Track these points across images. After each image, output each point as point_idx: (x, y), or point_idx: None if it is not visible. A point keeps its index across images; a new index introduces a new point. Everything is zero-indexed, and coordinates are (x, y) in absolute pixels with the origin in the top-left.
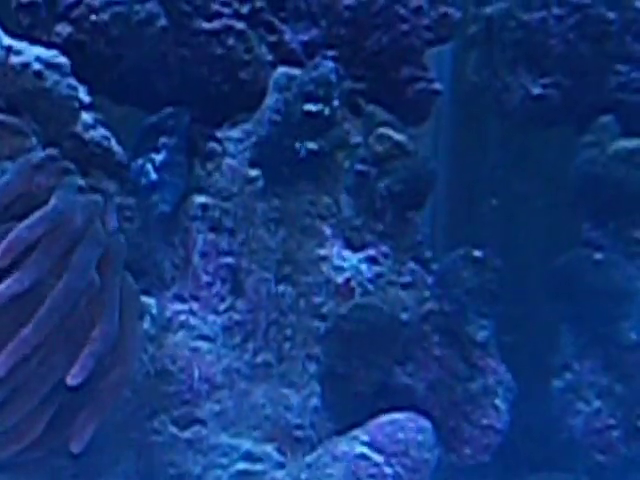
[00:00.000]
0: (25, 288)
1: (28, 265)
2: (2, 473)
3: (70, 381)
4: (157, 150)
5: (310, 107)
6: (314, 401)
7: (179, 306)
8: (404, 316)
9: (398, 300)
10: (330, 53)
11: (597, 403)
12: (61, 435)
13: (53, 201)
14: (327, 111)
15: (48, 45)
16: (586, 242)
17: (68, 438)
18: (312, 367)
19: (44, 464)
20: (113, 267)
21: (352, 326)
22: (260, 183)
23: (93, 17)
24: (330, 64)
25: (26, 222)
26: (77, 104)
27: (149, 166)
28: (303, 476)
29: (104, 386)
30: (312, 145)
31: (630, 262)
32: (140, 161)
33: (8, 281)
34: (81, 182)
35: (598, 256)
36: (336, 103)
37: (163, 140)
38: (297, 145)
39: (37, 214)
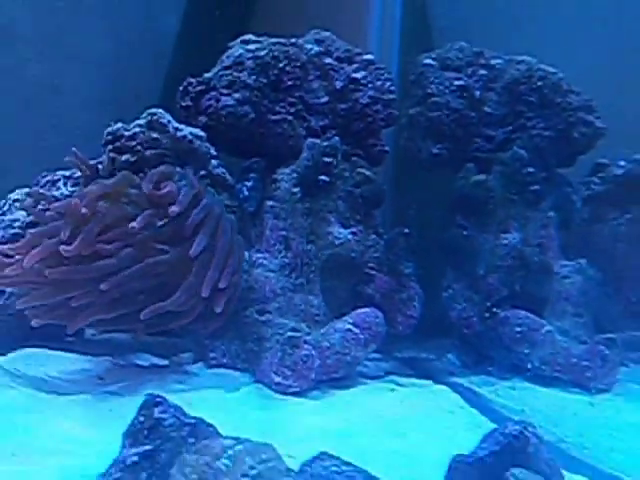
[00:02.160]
0: (205, 244)
1: (203, 232)
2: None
3: (212, 283)
4: (248, 179)
5: (323, 177)
6: (322, 302)
7: (258, 255)
8: (366, 259)
9: (365, 252)
10: (334, 132)
11: (463, 304)
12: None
13: (204, 201)
14: (335, 163)
15: (195, 126)
16: (459, 226)
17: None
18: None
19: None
20: (235, 233)
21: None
22: (299, 195)
23: (222, 113)
24: (335, 138)
25: (195, 210)
26: (209, 155)
27: (244, 187)
28: (319, 338)
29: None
30: (325, 177)
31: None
32: (239, 185)
33: (197, 239)
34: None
35: (465, 233)
36: (338, 157)
37: (251, 174)
38: (318, 177)
39: (200, 206)
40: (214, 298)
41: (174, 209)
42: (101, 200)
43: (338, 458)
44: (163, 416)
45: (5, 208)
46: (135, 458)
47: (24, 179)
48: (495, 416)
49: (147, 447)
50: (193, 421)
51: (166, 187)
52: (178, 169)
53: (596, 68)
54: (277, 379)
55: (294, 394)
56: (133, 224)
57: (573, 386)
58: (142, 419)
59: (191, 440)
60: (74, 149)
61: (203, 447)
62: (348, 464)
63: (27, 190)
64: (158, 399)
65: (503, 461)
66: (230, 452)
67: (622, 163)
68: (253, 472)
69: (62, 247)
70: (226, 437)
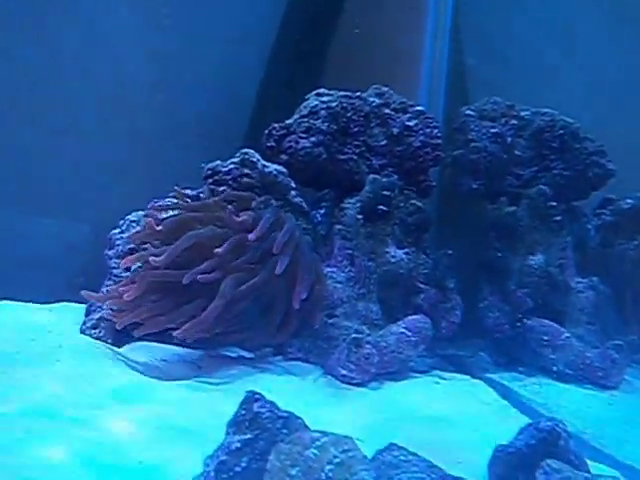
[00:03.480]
0: (288, 260)
1: (285, 251)
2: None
3: (302, 295)
4: (320, 207)
5: (382, 207)
6: (380, 309)
7: (328, 269)
8: (417, 274)
9: (415, 269)
10: (391, 169)
11: (497, 314)
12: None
13: (287, 224)
14: (392, 195)
15: (278, 163)
16: (493, 248)
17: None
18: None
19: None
20: (311, 252)
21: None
22: (362, 221)
23: (300, 153)
24: (394, 176)
25: (280, 233)
26: (290, 187)
27: (317, 214)
28: (378, 339)
29: (315, 297)
30: (383, 207)
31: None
32: (313, 211)
33: (281, 259)
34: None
35: (498, 254)
36: (395, 191)
37: (323, 203)
38: (378, 206)
39: (284, 230)
40: (311, 314)
41: (251, 236)
42: (190, 222)
43: (405, 449)
44: (261, 410)
45: (124, 227)
46: (238, 444)
47: (139, 204)
48: (524, 408)
49: (248, 436)
50: (286, 415)
51: (243, 216)
52: (263, 198)
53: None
54: (343, 372)
55: (357, 384)
56: (218, 250)
57: (587, 384)
58: (244, 412)
59: (284, 431)
60: (176, 187)
61: (295, 438)
62: (413, 454)
63: (142, 212)
64: (257, 395)
65: (538, 452)
66: (318, 443)
67: (629, 200)
68: (337, 460)
69: (151, 258)
70: (314, 430)
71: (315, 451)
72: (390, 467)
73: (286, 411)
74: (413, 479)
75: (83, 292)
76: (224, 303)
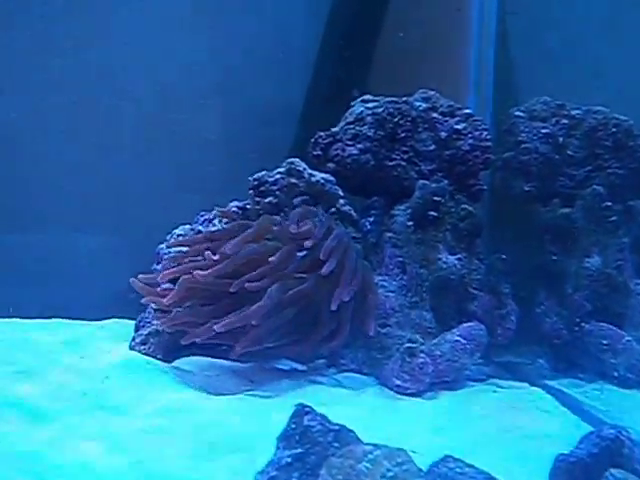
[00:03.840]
0: (335, 264)
1: (333, 255)
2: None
3: (343, 297)
4: (370, 215)
5: (433, 213)
6: (433, 317)
7: (379, 278)
8: (470, 281)
9: (468, 275)
10: (440, 174)
11: (554, 318)
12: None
13: (335, 231)
14: (442, 201)
15: (325, 172)
16: (548, 252)
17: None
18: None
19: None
20: (360, 259)
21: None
22: (412, 228)
23: (347, 160)
24: (444, 181)
25: (328, 240)
26: (338, 195)
27: (366, 222)
28: (432, 347)
29: (367, 305)
30: (434, 213)
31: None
32: (363, 219)
33: (328, 262)
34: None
35: (554, 258)
36: (446, 197)
37: (372, 211)
38: (428, 212)
39: (332, 236)
40: (364, 322)
41: (307, 243)
42: (247, 242)
43: (461, 460)
44: (311, 423)
45: (172, 241)
46: (289, 459)
47: (186, 217)
48: (585, 415)
49: (298, 450)
50: (337, 428)
51: (305, 225)
52: (313, 208)
53: None
54: (397, 382)
55: (411, 395)
56: (272, 258)
57: None
58: (294, 426)
59: (336, 444)
60: (216, 207)
61: (347, 452)
62: (470, 466)
63: (188, 226)
64: (307, 409)
65: (601, 461)
66: (370, 456)
67: None
68: (390, 474)
69: (196, 272)
70: (366, 443)
71: (367, 465)
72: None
73: (337, 424)
74: None
75: (132, 280)
76: (270, 304)
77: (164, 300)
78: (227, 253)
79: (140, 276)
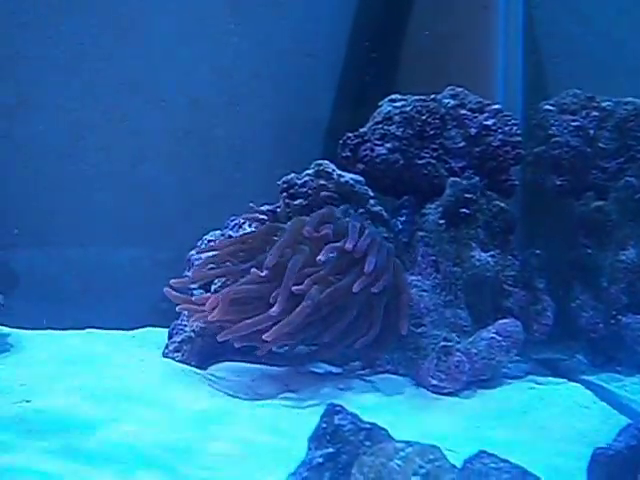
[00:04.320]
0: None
1: (370, 252)
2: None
3: (375, 290)
4: (401, 215)
5: (464, 210)
6: (468, 315)
7: (412, 277)
8: (504, 277)
9: (502, 271)
10: (471, 171)
11: (590, 312)
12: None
13: (367, 231)
14: (474, 198)
15: (354, 172)
16: (582, 245)
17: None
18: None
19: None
20: (393, 257)
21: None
22: (444, 226)
23: (376, 160)
24: (476, 178)
25: (362, 238)
26: (368, 196)
27: (398, 221)
28: (468, 346)
29: (400, 304)
30: (466, 210)
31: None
32: (394, 219)
33: (368, 259)
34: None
35: (588, 251)
36: (478, 194)
37: (403, 210)
38: (460, 210)
39: (365, 235)
40: (398, 322)
41: (348, 245)
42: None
43: (495, 455)
44: (342, 422)
45: (202, 247)
46: (320, 460)
47: (215, 222)
48: (625, 410)
49: (330, 450)
50: (368, 426)
51: (324, 229)
52: (341, 208)
53: None
54: (433, 382)
55: (448, 394)
56: (319, 257)
57: None
58: (325, 425)
59: (367, 443)
60: (251, 204)
61: (378, 449)
62: (505, 461)
63: (219, 232)
64: (337, 408)
65: None
66: (402, 453)
67: None
68: (422, 471)
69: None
70: (398, 441)
71: (399, 462)
72: (480, 476)
73: (369, 422)
74: None
75: (166, 289)
76: (311, 305)
77: (209, 317)
78: (270, 265)
79: (172, 281)
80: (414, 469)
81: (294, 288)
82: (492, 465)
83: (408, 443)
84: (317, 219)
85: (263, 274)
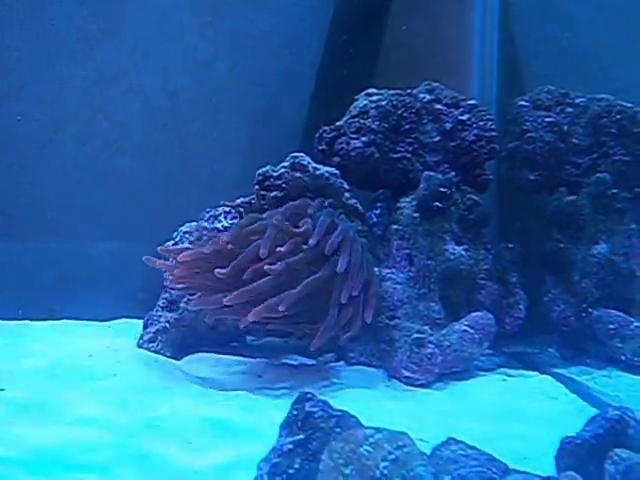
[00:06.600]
0: (348, 261)
1: (343, 250)
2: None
3: (353, 292)
4: (375, 208)
5: (439, 204)
6: (442, 308)
7: (387, 270)
8: (477, 271)
9: (476, 265)
10: (446, 165)
11: (562, 306)
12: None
13: (340, 226)
14: (448, 192)
15: (330, 165)
16: (555, 239)
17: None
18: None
19: None
20: (366, 252)
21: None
22: (419, 219)
23: (352, 154)
24: (451, 172)
25: (334, 234)
26: (343, 189)
27: (372, 215)
28: (441, 338)
29: (368, 295)
30: (440, 204)
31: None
32: (369, 212)
33: (341, 258)
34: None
35: (561, 245)
36: (453, 188)
37: (378, 204)
38: (434, 204)
39: (337, 231)
40: (364, 310)
41: (311, 241)
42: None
43: (464, 443)
44: (313, 410)
45: (177, 239)
46: (290, 446)
47: (192, 215)
48: (594, 401)
49: (300, 436)
50: (339, 413)
51: (304, 224)
52: (316, 202)
53: None
54: (406, 374)
55: (421, 386)
56: (281, 248)
57: None
58: (295, 412)
59: (337, 430)
60: (222, 202)
61: (348, 435)
62: (472, 448)
63: (194, 224)
64: (308, 395)
65: (606, 442)
66: (371, 440)
67: None
68: (391, 457)
69: (217, 270)
70: (367, 427)
71: (369, 448)
72: (448, 462)
73: (339, 410)
74: (473, 473)
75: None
76: (304, 293)
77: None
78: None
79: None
80: (383, 455)
81: (266, 267)
82: (460, 452)
83: (377, 430)
84: (290, 210)
85: (229, 247)
